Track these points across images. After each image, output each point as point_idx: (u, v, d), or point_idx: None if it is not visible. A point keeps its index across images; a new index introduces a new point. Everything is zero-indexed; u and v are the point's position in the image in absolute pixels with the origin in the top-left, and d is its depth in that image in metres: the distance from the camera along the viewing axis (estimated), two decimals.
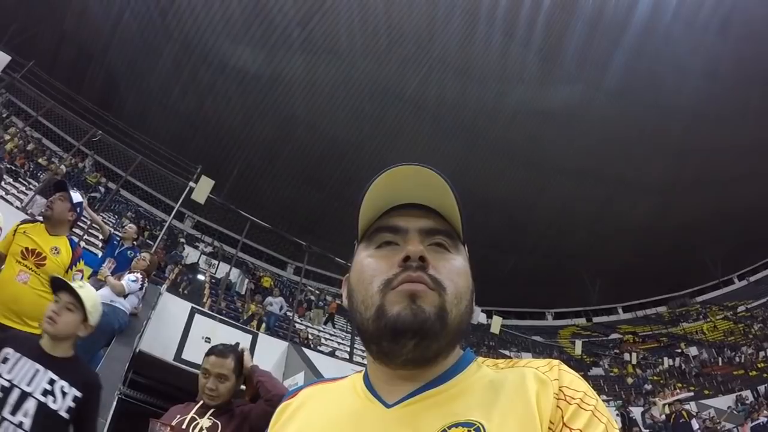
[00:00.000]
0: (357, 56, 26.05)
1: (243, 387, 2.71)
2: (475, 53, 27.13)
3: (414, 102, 27.96)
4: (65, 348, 2.40)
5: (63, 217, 3.71)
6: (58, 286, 2.49)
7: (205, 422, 2.35)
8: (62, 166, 17.69)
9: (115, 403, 4.65)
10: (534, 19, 26.74)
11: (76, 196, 3.83)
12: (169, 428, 2.12)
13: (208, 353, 2.63)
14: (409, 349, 0.74)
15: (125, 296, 5.66)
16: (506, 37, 27.01)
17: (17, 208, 9.78)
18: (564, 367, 0.76)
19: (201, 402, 2.50)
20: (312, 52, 25.52)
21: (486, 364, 0.83)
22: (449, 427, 0.69)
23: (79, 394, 2.29)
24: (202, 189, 10.55)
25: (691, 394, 20.47)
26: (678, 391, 19.98)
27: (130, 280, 5.74)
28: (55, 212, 3.67)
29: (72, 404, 2.26)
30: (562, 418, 0.67)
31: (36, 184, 14.83)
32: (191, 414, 2.40)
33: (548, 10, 26.59)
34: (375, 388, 0.81)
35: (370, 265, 0.81)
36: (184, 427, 2.32)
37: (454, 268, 0.80)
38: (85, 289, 2.49)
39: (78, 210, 3.81)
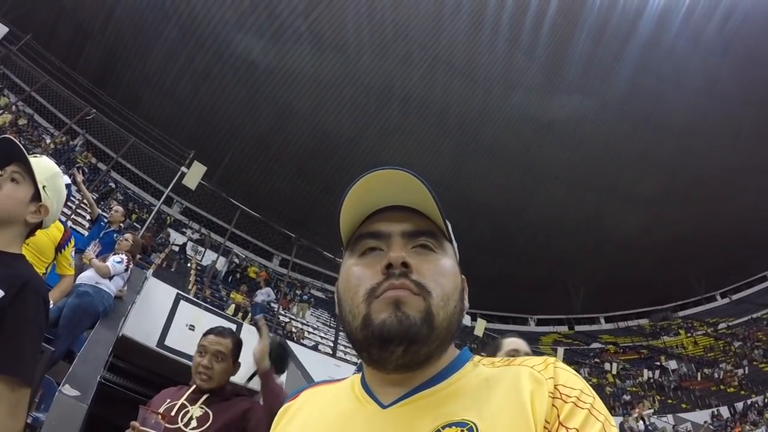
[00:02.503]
0: (359, 50, 26.00)
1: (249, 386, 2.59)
2: (477, 56, 27.19)
3: (413, 99, 27.95)
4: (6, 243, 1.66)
5: None
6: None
7: (196, 411, 2.20)
8: (51, 144, 17.49)
9: (95, 387, 4.59)
10: (538, 28, 26.84)
11: (64, 178, 3.78)
12: (159, 416, 2.02)
13: (206, 333, 2.51)
14: (398, 355, 0.73)
15: (110, 278, 5.60)
16: (510, 43, 27.09)
17: None
18: (560, 364, 0.74)
19: (194, 386, 2.34)
20: (313, 44, 25.42)
21: (482, 363, 0.82)
22: (443, 427, 0.68)
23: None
24: (194, 175, 10.49)
25: (651, 411, 20.65)
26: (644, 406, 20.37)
27: (115, 261, 5.66)
28: None
29: None
30: (558, 416, 0.66)
31: None
32: (182, 400, 2.25)
33: (552, 19, 26.67)
34: (371, 389, 0.80)
35: (354, 274, 0.80)
36: (173, 413, 2.17)
37: (439, 269, 0.79)
38: (39, 159, 1.82)
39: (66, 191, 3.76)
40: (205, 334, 2.50)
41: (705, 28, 27.86)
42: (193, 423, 2.15)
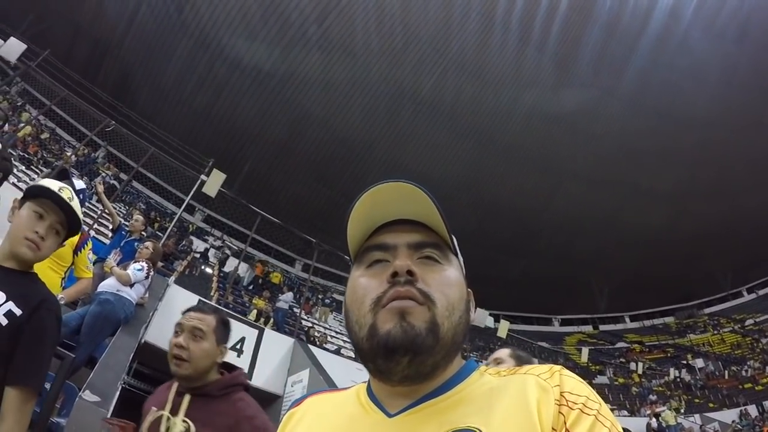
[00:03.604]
0: (372, 55, 26.08)
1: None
2: (489, 56, 27.09)
3: (427, 103, 27.94)
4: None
5: None
6: (43, 192, 1.82)
7: (179, 426, 1.84)
8: (72, 156, 17.76)
9: (118, 392, 4.66)
10: (550, 24, 26.66)
11: (79, 184, 3.82)
12: (119, 429, 1.87)
13: (185, 311, 2.11)
14: (404, 366, 0.74)
15: (131, 285, 5.67)
16: (521, 41, 26.95)
17: None
18: (566, 372, 0.75)
19: (176, 385, 2.00)
20: (327, 51, 25.57)
21: (488, 372, 0.82)
22: None
23: (17, 310, 1.68)
24: (214, 182, 10.59)
25: (664, 408, 20.41)
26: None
27: (135, 269, 5.74)
28: None
29: (3, 320, 1.65)
30: (565, 423, 0.66)
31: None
32: (166, 412, 1.90)
33: (564, 15, 26.49)
34: (378, 398, 0.81)
35: (361, 285, 0.81)
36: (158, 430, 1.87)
37: (444, 280, 0.80)
38: (75, 201, 1.90)
39: (80, 197, 3.80)
40: (184, 313, 2.10)
41: (718, 15, 27.41)
42: None
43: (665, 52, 27.91)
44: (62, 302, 3.93)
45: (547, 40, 27.12)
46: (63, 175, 3.89)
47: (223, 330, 2.10)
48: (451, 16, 25.64)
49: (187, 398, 1.92)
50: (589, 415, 0.67)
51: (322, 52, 25.60)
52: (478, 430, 0.68)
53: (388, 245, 0.82)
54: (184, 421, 1.85)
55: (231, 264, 20.26)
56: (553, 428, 0.66)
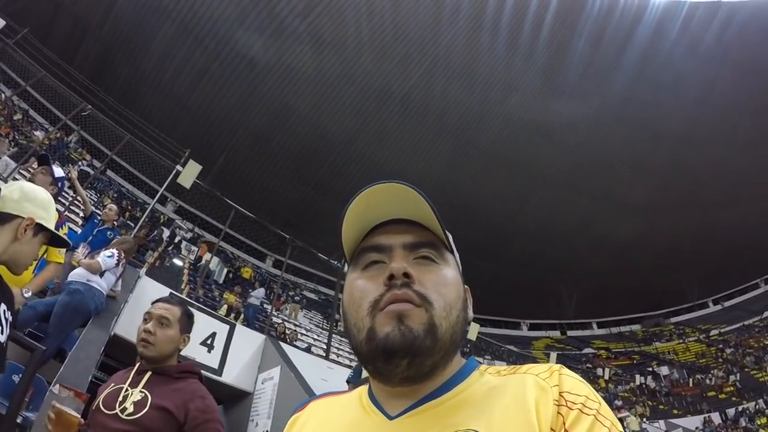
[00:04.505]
0: (358, 50, 26.08)
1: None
2: (476, 59, 27.31)
3: (409, 102, 28.03)
4: None
5: None
6: None
7: (136, 395, 2.02)
8: (43, 138, 17.36)
9: (86, 386, 4.55)
10: (536, 32, 26.97)
11: (58, 171, 3.73)
12: (71, 392, 1.93)
13: (154, 302, 2.33)
14: (403, 368, 0.74)
15: (101, 274, 5.54)
16: (508, 47, 27.24)
17: None
18: (565, 371, 0.75)
19: (138, 364, 2.19)
20: (312, 43, 25.46)
21: (489, 371, 0.82)
22: None
23: (11, 317, 1.67)
24: (189, 173, 10.40)
25: (628, 414, 20.81)
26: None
27: (105, 256, 5.58)
28: (36, 185, 3.53)
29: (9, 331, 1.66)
30: (564, 424, 0.66)
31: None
32: (126, 384, 2.08)
33: (551, 25, 26.78)
34: (378, 401, 0.81)
35: (358, 287, 0.81)
36: (117, 398, 2.02)
37: (441, 280, 0.79)
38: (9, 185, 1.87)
39: (60, 184, 3.70)
40: (153, 303, 2.34)
41: (703, 36, 28.02)
42: (130, 408, 1.98)
43: (648, 67, 28.45)
44: (27, 295, 3.81)
45: (533, 48, 27.45)
46: (42, 161, 3.78)
47: (186, 321, 2.33)
48: (440, 15, 25.83)
49: (147, 375, 2.13)
50: (588, 415, 0.66)
51: (307, 45, 25.50)
52: None
53: (383, 246, 0.82)
54: (141, 391, 2.04)
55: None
56: (551, 428, 0.66)
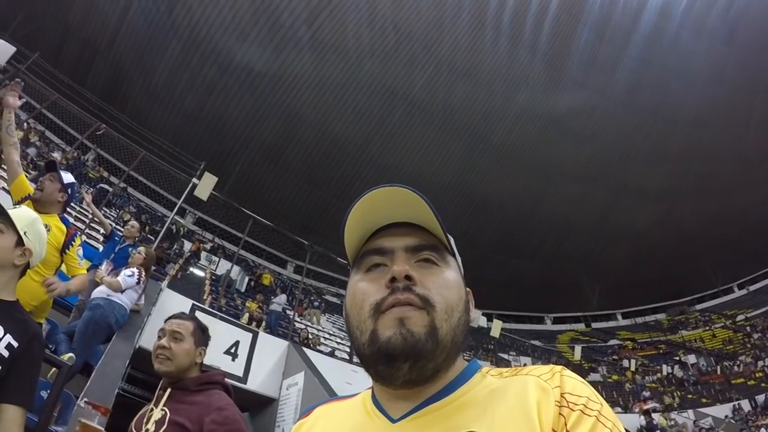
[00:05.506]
0: (363, 56, 26.04)
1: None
2: (481, 56, 27.13)
3: (418, 103, 27.94)
4: (2, 286, 2.00)
5: (53, 198, 3.61)
6: None
7: (157, 414, 2.07)
8: (62, 159, 17.60)
9: (114, 399, 4.64)
10: (540, 24, 26.77)
11: (67, 177, 3.75)
12: (92, 408, 2.00)
13: (167, 319, 2.41)
14: (405, 371, 0.75)
15: (122, 291, 5.65)
16: (512, 42, 27.02)
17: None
18: (567, 372, 0.75)
19: (161, 382, 2.25)
20: (318, 51, 25.49)
21: (491, 373, 0.82)
22: None
23: (15, 342, 1.87)
24: (205, 185, 10.51)
25: (654, 405, 20.57)
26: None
27: (126, 275, 5.74)
28: (45, 193, 3.57)
29: (5, 353, 1.83)
30: (566, 425, 0.66)
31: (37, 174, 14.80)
32: (152, 404, 2.16)
33: (555, 16, 26.60)
34: (381, 404, 0.82)
35: (360, 290, 0.82)
36: (143, 418, 2.11)
37: (442, 282, 0.80)
38: (17, 209, 2.15)
39: (69, 191, 3.72)
40: (166, 320, 2.41)
41: (708, 16, 27.70)
42: (152, 429, 2.03)
43: (656, 52, 28.11)
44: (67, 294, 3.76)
45: (538, 41, 27.23)
46: (50, 167, 3.82)
47: (200, 334, 2.40)
48: (442, 14, 25.67)
49: (168, 392, 2.18)
50: (590, 416, 0.66)
51: (314, 53, 25.52)
52: None
53: (385, 249, 0.83)
54: (162, 409, 2.09)
55: (222, 266, 20.20)
56: (553, 429, 0.66)
